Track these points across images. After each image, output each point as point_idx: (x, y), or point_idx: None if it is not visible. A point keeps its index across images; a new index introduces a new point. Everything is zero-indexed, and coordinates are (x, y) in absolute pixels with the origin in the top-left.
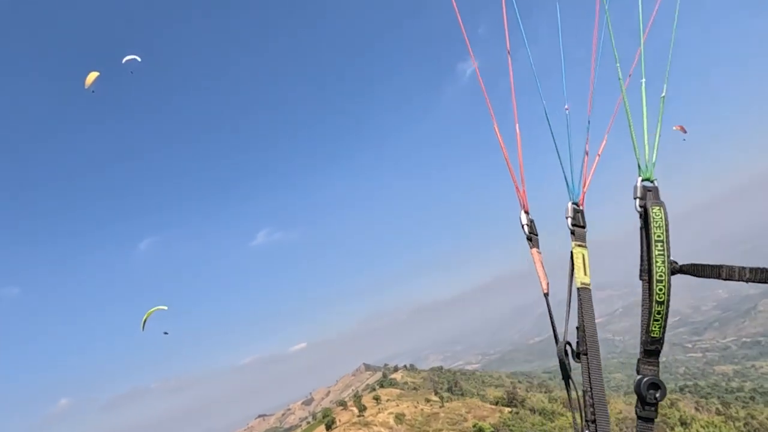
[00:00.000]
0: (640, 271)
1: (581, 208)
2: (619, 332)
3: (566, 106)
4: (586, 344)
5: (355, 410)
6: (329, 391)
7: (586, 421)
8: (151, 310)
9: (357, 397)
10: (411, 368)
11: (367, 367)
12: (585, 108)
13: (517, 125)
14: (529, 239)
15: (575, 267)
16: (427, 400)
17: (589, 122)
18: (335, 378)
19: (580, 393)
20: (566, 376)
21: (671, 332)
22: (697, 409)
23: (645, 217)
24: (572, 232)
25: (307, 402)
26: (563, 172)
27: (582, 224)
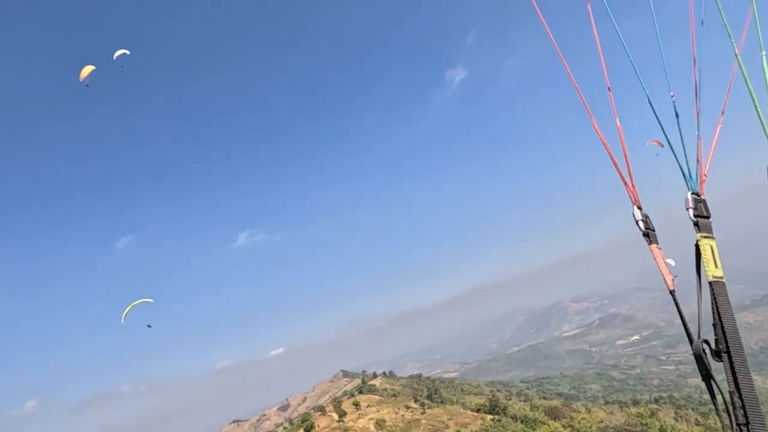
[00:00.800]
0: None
1: (702, 197)
2: (595, 344)
3: (672, 93)
4: (726, 342)
5: (335, 415)
6: (306, 398)
7: (738, 424)
8: (135, 302)
9: (337, 402)
10: (390, 375)
11: (345, 374)
12: (682, 94)
13: (617, 119)
14: (646, 235)
15: (705, 260)
16: (407, 407)
17: (698, 97)
18: (312, 384)
19: (726, 397)
20: (708, 376)
21: (645, 344)
22: (676, 419)
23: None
24: (696, 224)
25: (283, 408)
26: (677, 161)
27: (706, 214)
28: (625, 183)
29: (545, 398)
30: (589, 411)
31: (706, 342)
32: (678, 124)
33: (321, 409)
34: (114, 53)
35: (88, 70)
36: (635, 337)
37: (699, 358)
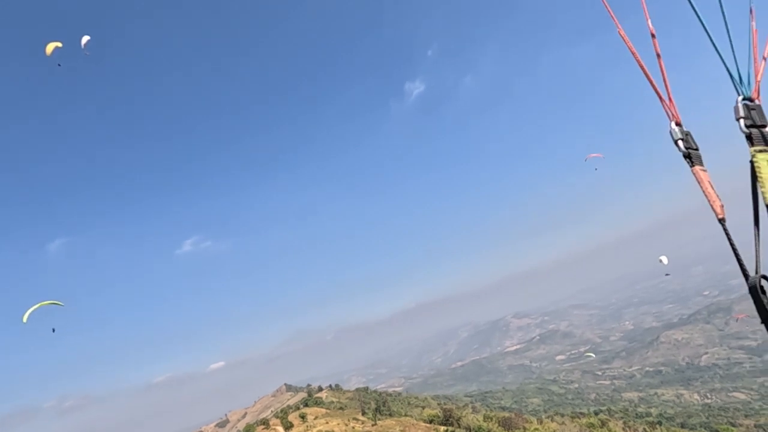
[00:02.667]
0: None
1: (757, 103)
2: (535, 359)
3: None
4: None
5: (280, 429)
6: (246, 413)
7: None
8: (43, 303)
9: (283, 414)
10: (336, 388)
11: (289, 388)
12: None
13: (649, 21)
14: (687, 156)
15: (762, 179)
16: (356, 419)
17: None
18: (253, 399)
19: None
20: (766, 316)
21: (583, 360)
22: (625, 430)
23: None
24: (748, 137)
25: (221, 424)
26: (724, 63)
27: (761, 122)
28: (660, 96)
29: (491, 411)
30: (541, 422)
31: (765, 278)
32: (724, 16)
33: (264, 423)
34: (68, 43)
35: (52, 46)
36: (590, 355)
37: (755, 295)
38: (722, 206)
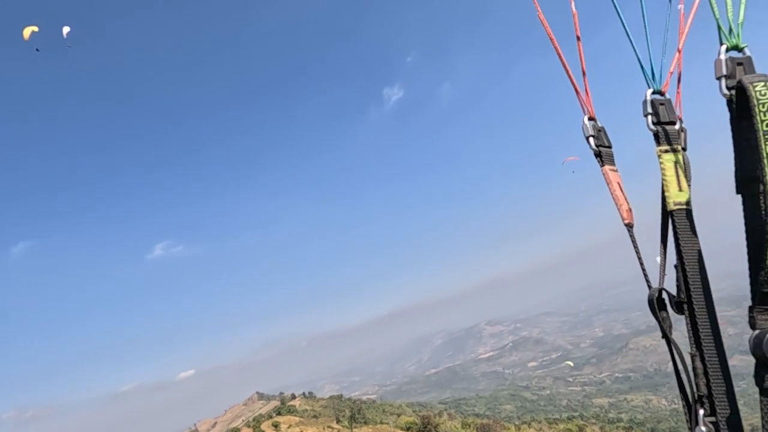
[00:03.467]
0: (737, 181)
1: (666, 97)
2: (508, 366)
3: None
4: (689, 289)
5: None
6: (216, 422)
7: (700, 396)
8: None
9: (255, 423)
10: (310, 396)
11: (260, 396)
12: None
13: (572, 3)
14: (598, 155)
15: (664, 183)
16: (331, 427)
17: None
18: (224, 408)
19: (687, 359)
20: (664, 334)
21: (555, 367)
22: None
23: (739, 101)
24: (655, 135)
25: None
26: (635, 51)
27: (669, 119)
28: (576, 88)
29: (466, 418)
30: (519, 428)
31: (665, 290)
32: (642, 2)
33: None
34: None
35: (28, 31)
36: (569, 363)
37: (652, 309)
38: (630, 211)
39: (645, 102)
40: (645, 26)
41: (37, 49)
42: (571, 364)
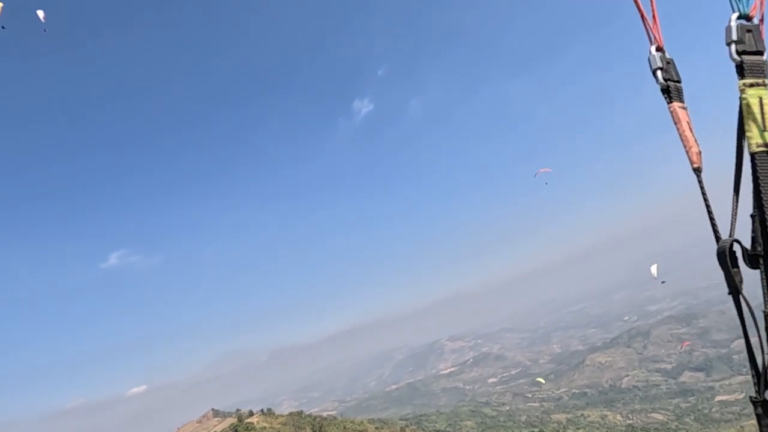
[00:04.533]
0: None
1: (754, 23)
2: (469, 382)
3: None
4: (765, 240)
5: None
6: None
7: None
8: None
9: None
10: (269, 413)
11: (216, 413)
12: None
13: None
14: (666, 90)
15: (746, 121)
16: None
17: None
18: (177, 426)
19: (760, 319)
20: (735, 289)
21: (513, 383)
22: None
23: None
24: (739, 66)
25: None
26: None
27: (757, 48)
28: (642, 13)
29: None
30: None
31: (737, 242)
32: None
33: None
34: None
35: None
36: (540, 380)
37: (723, 262)
38: (699, 154)
39: (729, 28)
40: None
41: (2, 27)
42: (543, 381)
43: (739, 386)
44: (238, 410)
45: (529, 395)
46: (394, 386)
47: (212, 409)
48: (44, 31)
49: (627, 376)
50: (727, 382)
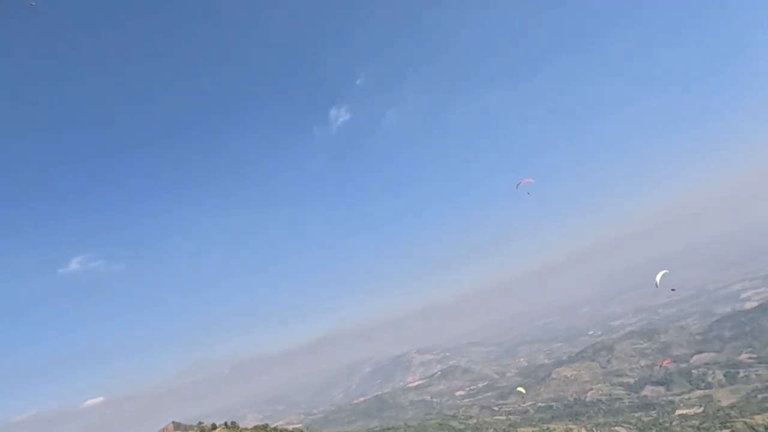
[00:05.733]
0: None
1: None
2: (436, 395)
3: None
4: None
5: None
6: None
7: None
8: None
9: None
10: (232, 426)
11: (177, 426)
12: None
13: None
14: None
15: None
16: None
17: None
18: None
19: None
20: None
21: (481, 396)
22: None
23: None
24: None
25: None
26: None
27: None
28: None
29: None
30: None
31: None
32: None
33: None
34: None
35: None
36: (521, 389)
37: None
38: None
39: None
40: None
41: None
42: (524, 390)
43: (698, 400)
44: (200, 423)
45: (496, 408)
46: (361, 399)
47: (173, 422)
48: (32, 4)
49: (591, 389)
50: (686, 396)
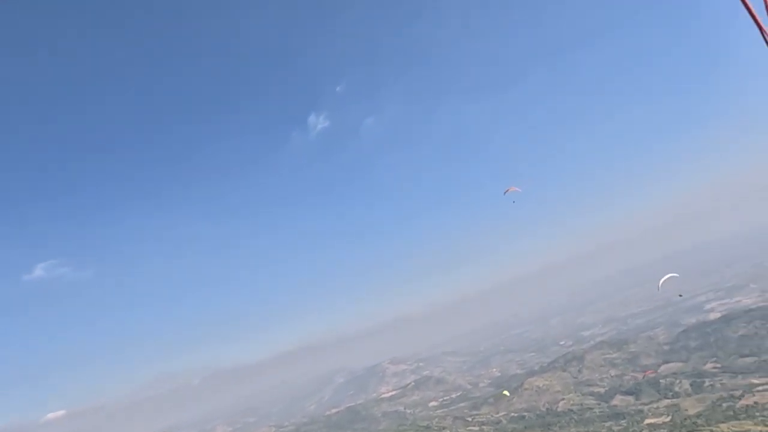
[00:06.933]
0: None
1: None
2: (410, 405)
3: None
4: None
5: None
6: None
7: None
8: None
9: None
10: None
11: None
12: None
13: None
14: None
15: None
16: None
17: None
18: None
19: None
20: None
21: (454, 407)
22: None
23: None
24: None
25: None
26: None
27: None
28: (758, 23)
29: None
30: None
31: None
32: None
33: None
34: None
35: None
36: (506, 392)
37: None
38: None
39: None
40: None
41: None
42: (507, 393)
43: (666, 409)
44: None
45: (470, 419)
46: (334, 410)
47: None
48: None
49: (563, 399)
50: (655, 405)
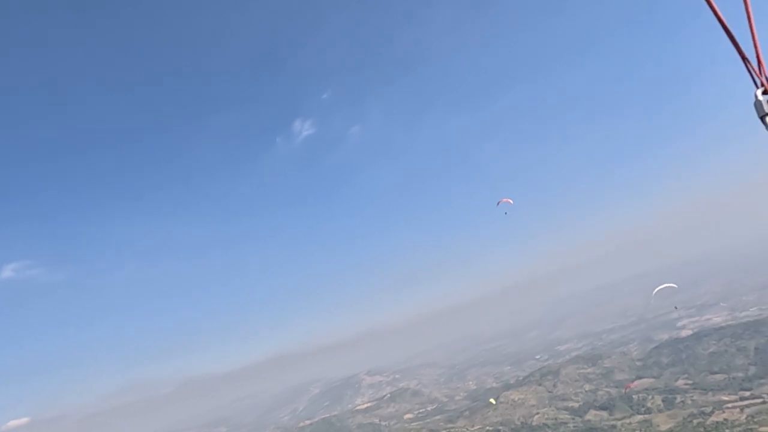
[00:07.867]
0: None
1: None
2: (385, 417)
3: None
4: None
5: None
6: None
7: None
8: None
9: None
10: None
11: None
12: None
13: None
14: None
15: None
16: None
17: None
18: None
19: None
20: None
21: (429, 419)
22: None
23: None
24: None
25: None
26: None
27: None
28: (742, 54)
29: None
30: None
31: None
32: None
33: None
34: None
35: None
36: (492, 400)
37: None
38: None
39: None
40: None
41: None
42: (494, 401)
43: (638, 425)
44: None
45: None
46: (307, 421)
47: None
48: None
49: (538, 413)
50: (627, 420)
